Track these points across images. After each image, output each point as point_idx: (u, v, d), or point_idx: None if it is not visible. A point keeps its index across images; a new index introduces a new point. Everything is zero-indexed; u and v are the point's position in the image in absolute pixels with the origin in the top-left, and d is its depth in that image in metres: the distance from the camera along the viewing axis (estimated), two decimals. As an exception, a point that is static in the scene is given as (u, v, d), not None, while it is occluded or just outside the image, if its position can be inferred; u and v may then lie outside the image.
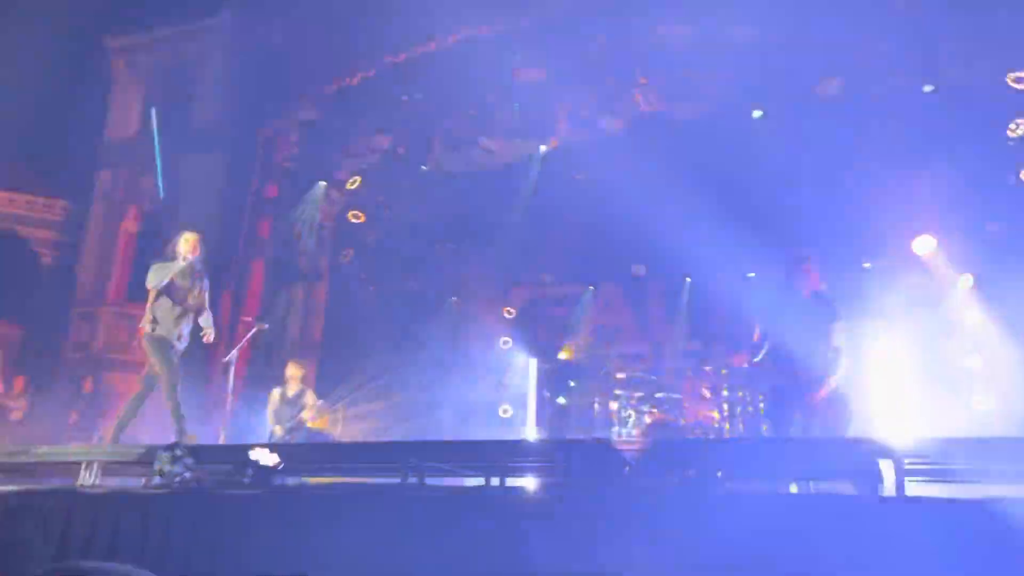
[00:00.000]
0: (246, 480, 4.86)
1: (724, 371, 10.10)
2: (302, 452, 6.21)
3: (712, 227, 11.17)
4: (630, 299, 12.42)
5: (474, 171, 12.26)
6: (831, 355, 5.66)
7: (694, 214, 11.29)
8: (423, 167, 11.22)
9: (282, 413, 8.52)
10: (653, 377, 11.10)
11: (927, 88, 8.55)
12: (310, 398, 8.66)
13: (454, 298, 12.45)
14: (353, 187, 11.57)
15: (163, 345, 6.60)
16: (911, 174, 9.21)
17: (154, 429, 7.43)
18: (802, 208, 9.90)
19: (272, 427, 8.51)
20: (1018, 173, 8.47)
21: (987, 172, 8.88)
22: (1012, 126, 8.53)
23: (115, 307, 11.98)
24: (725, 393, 10.11)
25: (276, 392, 8.74)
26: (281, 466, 5.06)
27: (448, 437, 11.26)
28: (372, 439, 9.83)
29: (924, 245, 9.33)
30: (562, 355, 12.09)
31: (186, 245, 6.65)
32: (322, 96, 10.75)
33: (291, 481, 5.69)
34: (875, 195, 8.95)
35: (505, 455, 5.62)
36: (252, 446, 5.10)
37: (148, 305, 6.65)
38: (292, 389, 8.67)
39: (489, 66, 10.11)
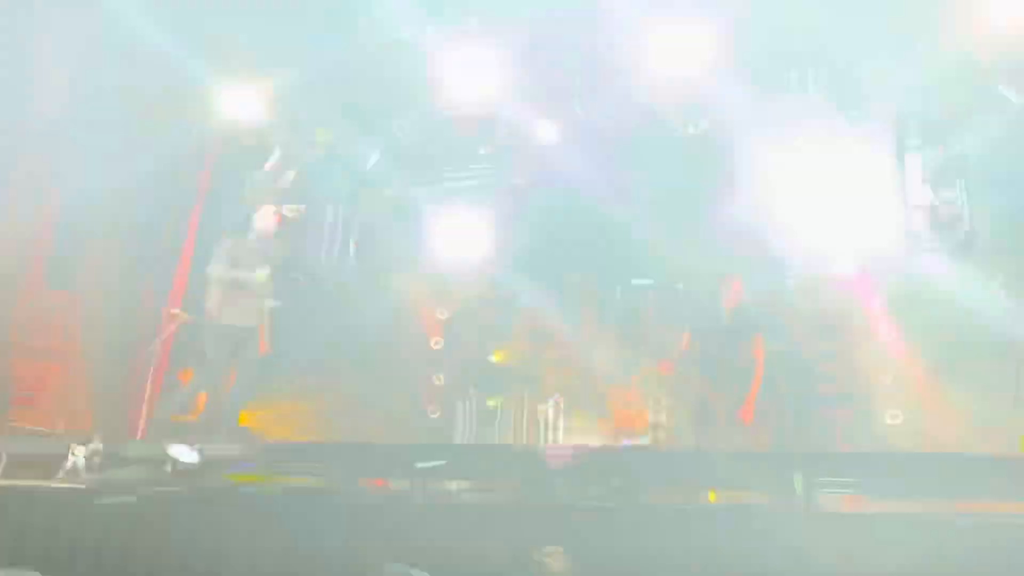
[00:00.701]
0: (165, 478, 4.76)
1: (651, 379, 10.26)
2: (225, 451, 6.09)
3: (644, 237, 11.41)
4: (563, 305, 12.53)
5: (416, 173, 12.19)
6: (752, 365, 5.89)
7: (628, 223, 11.50)
8: (368, 167, 11.14)
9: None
10: (583, 383, 11.23)
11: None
12: None
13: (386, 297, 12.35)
14: (288, 182, 11.38)
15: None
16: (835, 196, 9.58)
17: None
18: (731, 223, 10.18)
19: None
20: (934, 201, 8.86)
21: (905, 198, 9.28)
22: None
23: (32, 293, 11.50)
24: (650, 402, 10.28)
25: None
26: (201, 464, 4.96)
27: (375, 439, 11.18)
28: (298, 439, 9.69)
29: (840, 263, 9.73)
30: (493, 358, 12.12)
31: (267, 220, 6.31)
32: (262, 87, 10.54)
33: (213, 480, 5.58)
34: (799, 213, 9.30)
35: (431, 459, 5.63)
36: (172, 443, 5.00)
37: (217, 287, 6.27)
38: None
39: (431, 69, 10.09)
